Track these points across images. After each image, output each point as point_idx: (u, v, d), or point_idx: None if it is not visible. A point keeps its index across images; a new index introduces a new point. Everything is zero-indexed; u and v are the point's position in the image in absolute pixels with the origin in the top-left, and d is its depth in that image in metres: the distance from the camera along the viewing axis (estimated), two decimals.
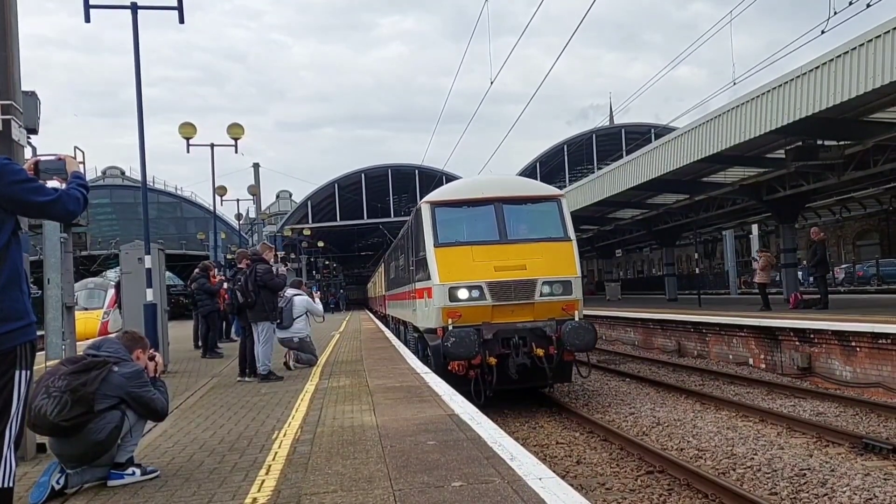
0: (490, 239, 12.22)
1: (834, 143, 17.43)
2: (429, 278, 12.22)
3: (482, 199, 12.63)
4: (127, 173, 67.42)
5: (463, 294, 11.69)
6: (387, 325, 26.58)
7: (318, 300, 14.52)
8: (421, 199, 13.62)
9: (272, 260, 11.66)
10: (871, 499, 7.05)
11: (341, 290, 78.29)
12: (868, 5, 11.71)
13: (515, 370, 11.58)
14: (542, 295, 11.82)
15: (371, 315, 40.95)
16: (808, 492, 7.37)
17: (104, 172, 68.04)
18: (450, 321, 11.51)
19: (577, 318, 11.83)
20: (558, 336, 11.63)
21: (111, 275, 39.83)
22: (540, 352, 11.58)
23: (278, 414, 7.74)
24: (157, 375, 5.47)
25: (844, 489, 7.34)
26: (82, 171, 4.45)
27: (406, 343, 17.22)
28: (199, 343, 16.41)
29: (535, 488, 4.35)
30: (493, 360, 11.44)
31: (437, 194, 13.45)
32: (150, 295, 12.76)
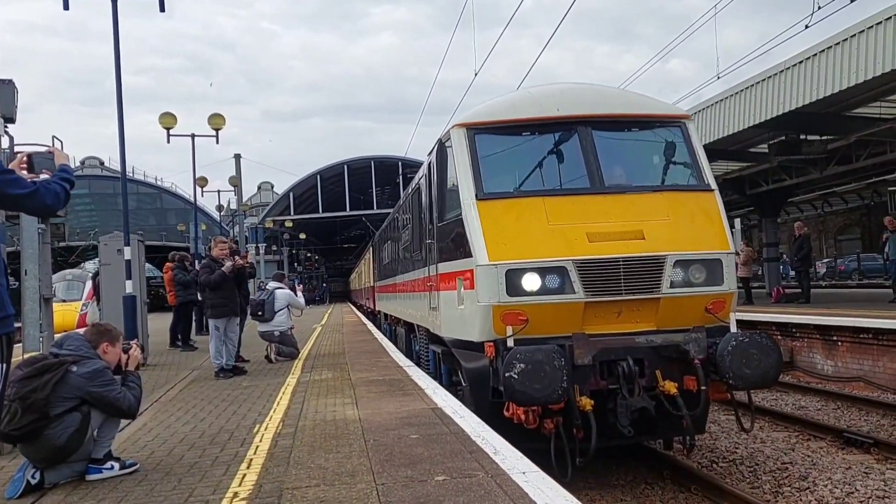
0: (576, 187, 7.58)
1: (817, 137, 17.55)
2: (465, 255, 7.56)
3: (558, 120, 7.82)
4: (106, 163, 66.67)
5: (531, 282, 6.96)
6: (377, 324, 22.65)
7: (300, 294, 14.41)
8: (450, 124, 8.45)
9: (223, 254, 10.85)
10: (852, 492, 7.09)
11: (324, 284, 78.10)
12: (851, 0, 11.74)
13: (629, 418, 6.80)
14: (672, 285, 7.06)
15: (353, 308, 40.84)
16: (789, 486, 7.40)
17: (83, 163, 67.25)
18: (508, 330, 6.90)
19: (733, 327, 7.18)
20: (703, 359, 6.87)
21: (90, 266, 39.41)
22: (671, 386, 6.86)
23: (259, 407, 7.65)
24: (126, 368, 5.27)
25: (826, 483, 7.38)
26: (69, 164, 4.35)
27: (412, 356, 12.70)
28: (179, 336, 16.20)
29: (519, 482, 4.32)
30: (587, 404, 6.65)
31: (477, 113, 8.26)
32: (129, 287, 12.60)
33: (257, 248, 39.76)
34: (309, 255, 76.37)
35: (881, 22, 11.32)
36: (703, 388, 6.84)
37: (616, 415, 6.80)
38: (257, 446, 5.76)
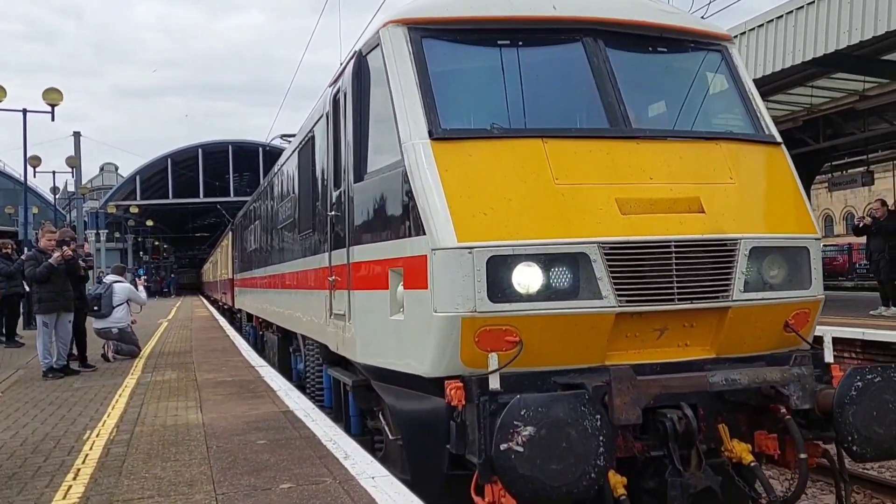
0: (591, 126, 4.99)
1: None
2: (408, 232, 4.70)
3: (554, 23, 5.14)
4: None
5: (529, 279, 4.29)
6: (236, 327, 19.34)
7: (141, 288, 13.67)
8: (379, 23, 5.33)
9: (51, 245, 9.96)
10: None
11: (173, 275, 74.91)
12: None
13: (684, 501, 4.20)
14: (747, 287, 4.61)
15: (206, 302, 39.35)
16: None
17: None
18: (491, 360, 4.12)
19: (828, 354, 4.72)
20: (812, 410, 4.45)
21: None
22: (743, 451, 4.42)
23: (92, 412, 7.18)
24: None
25: None
26: None
27: (292, 377, 9.90)
28: (3, 331, 14.87)
29: (367, 487, 4.28)
30: (619, 484, 4.10)
31: (426, 6, 5.26)
32: None
33: (98, 234, 37.46)
34: (157, 243, 72.86)
35: (737, 36, 12.33)
36: (801, 456, 4.31)
37: (665, 500, 4.18)
38: (87, 455, 5.39)
